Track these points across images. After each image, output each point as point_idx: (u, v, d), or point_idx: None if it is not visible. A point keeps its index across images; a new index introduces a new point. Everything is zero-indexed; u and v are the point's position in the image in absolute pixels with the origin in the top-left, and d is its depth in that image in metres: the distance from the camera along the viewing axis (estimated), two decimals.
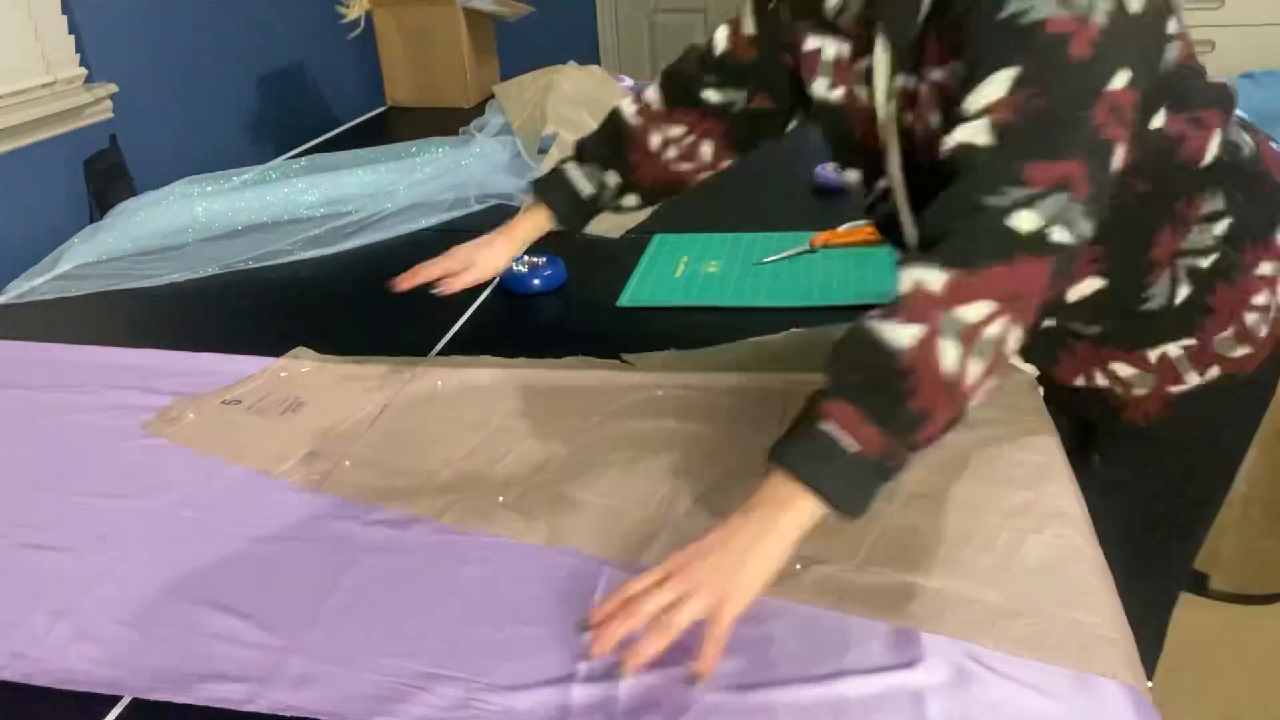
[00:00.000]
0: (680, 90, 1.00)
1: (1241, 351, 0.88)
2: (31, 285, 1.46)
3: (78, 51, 1.95)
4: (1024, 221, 0.64)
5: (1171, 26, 0.74)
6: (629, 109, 1.03)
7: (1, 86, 1.76)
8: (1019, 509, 0.82)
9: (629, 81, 2.22)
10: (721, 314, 1.21)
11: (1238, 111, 0.85)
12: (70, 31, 1.93)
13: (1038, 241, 0.64)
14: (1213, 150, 0.80)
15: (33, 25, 1.83)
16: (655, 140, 1.01)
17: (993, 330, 0.64)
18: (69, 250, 1.54)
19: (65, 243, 1.56)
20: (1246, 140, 0.85)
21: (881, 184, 0.86)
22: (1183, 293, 0.84)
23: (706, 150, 1.01)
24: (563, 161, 1.05)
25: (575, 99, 1.93)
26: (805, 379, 1.03)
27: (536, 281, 1.31)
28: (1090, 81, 0.65)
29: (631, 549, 0.80)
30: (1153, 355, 0.88)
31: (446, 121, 2.11)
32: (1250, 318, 0.86)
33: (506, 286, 1.32)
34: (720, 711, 0.65)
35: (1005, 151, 0.66)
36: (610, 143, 1.03)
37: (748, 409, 1.00)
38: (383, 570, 0.81)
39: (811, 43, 0.86)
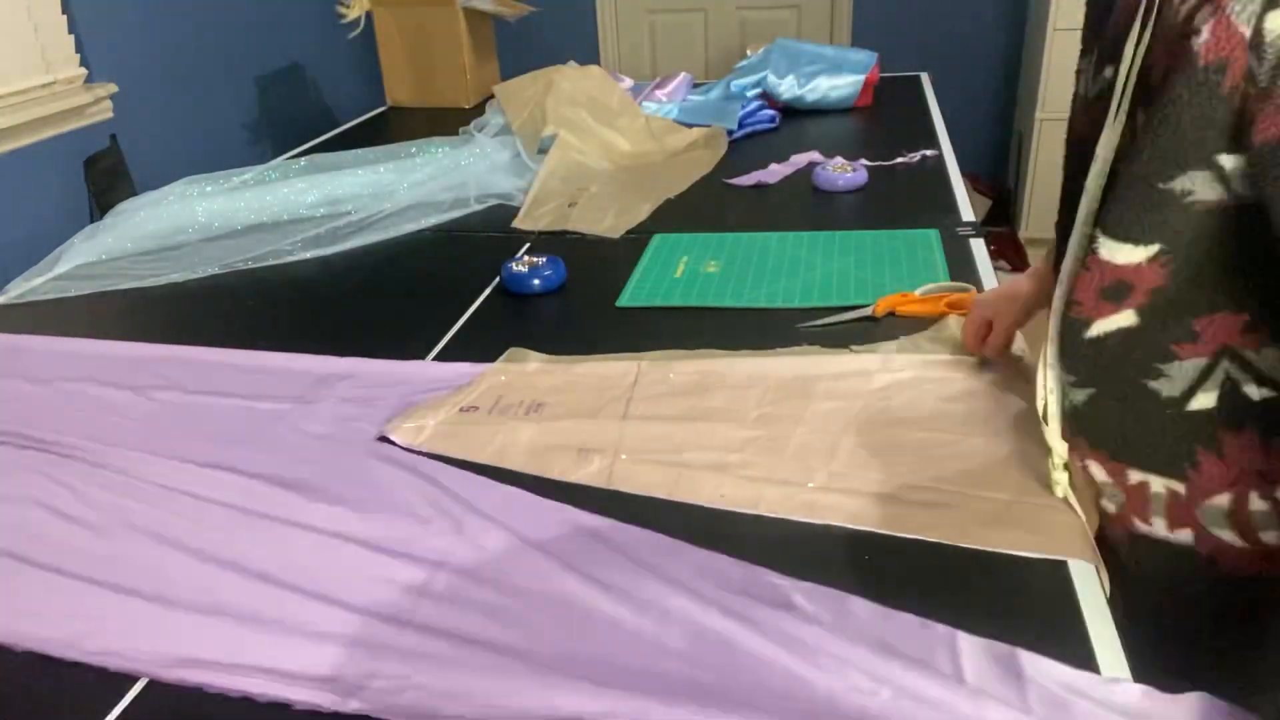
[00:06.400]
0: None
1: None
2: (31, 285, 1.46)
3: (78, 51, 1.96)
4: None
5: None
6: None
7: (1, 86, 1.76)
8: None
9: (629, 81, 2.22)
10: (722, 314, 1.21)
11: None
12: (70, 31, 1.93)
13: None
14: None
15: (33, 25, 1.83)
16: None
17: None
18: (69, 250, 1.54)
19: (65, 243, 1.56)
20: None
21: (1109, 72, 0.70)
22: None
23: None
24: None
25: (575, 99, 1.94)
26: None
27: (536, 281, 1.31)
28: None
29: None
30: None
31: (446, 121, 2.11)
32: None
33: (506, 286, 1.32)
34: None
35: None
36: None
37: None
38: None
39: None
